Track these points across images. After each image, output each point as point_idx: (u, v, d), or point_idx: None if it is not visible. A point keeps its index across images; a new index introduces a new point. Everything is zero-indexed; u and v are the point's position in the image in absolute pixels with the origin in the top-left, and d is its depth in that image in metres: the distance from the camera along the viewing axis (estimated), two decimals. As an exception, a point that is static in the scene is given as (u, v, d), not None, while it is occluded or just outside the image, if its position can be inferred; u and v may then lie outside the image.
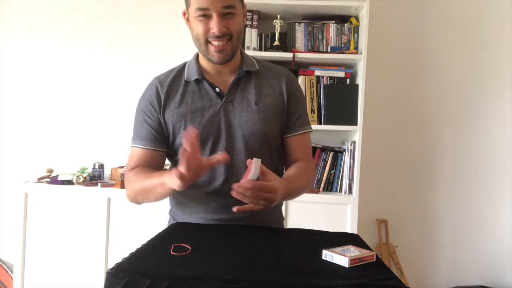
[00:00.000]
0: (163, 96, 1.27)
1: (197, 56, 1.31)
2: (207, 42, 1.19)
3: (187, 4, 1.21)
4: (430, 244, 2.79)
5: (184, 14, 1.25)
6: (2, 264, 2.75)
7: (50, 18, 2.82)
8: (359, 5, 2.44)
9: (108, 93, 2.80)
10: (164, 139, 1.28)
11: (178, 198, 1.32)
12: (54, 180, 2.42)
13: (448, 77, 2.77)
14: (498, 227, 2.76)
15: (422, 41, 2.78)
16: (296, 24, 2.54)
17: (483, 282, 2.74)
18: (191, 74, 1.28)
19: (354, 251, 0.88)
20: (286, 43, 2.53)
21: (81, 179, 2.40)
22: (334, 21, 2.54)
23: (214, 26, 1.16)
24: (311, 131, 1.38)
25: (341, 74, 2.51)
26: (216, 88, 1.26)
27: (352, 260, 0.84)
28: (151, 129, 1.27)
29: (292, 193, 1.25)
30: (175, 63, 1.35)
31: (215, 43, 1.18)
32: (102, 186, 2.38)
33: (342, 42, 2.53)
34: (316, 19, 2.57)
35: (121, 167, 2.55)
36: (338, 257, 0.86)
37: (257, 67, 1.32)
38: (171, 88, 1.28)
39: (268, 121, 1.27)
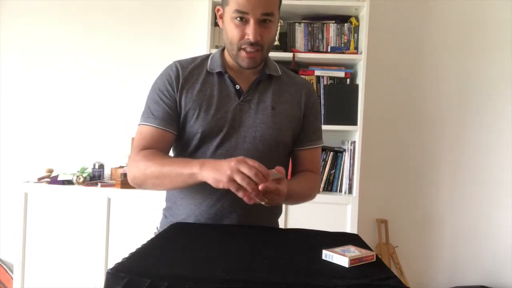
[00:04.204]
0: (182, 78, 1.24)
1: (222, 50, 1.30)
2: (240, 48, 1.18)
3: (225, 3, 1.18)
4: (430, 244, 2.79)
5: (218, 10, 1.24)
6: (2, 264, 2.75)
7: (50, 17, 2.82)
8: (359, 5, 2.44)
9: (108, 93, 2.80)
10: (177, 121, 1.24)
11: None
12: (54, 180, 2.42)
13: (448, 77, 2.77)
14: (498, 227, 2.76)
15: (422, 41, 2.78)
16: (296, 24, 2.54)
17: (483, 282, 2.74)
18: (214, 66, 1.27)
19: (354, 251, 0.88)
20: (286, 43, 2.53)
21: (81, 179, 2.40)
22: (334, 21, 2.54)
23: (250, 33, 1.15)
24: (322, 145, 1.40)
25: (341, 74, 2.51)
26: (237, 85, 1.26)
27: (352, 260, 0.84)
28: (167, 109, 1.23)
29: (291, 198, 1.23)
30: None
31: (248, 49, 1.17)
32: (102, 186, 2.38)
33: (342, 42, 2.53)
34: (316, 19, 2.57)
35: (121, 167, 2.55)
36: (338, 257, 0.85)
37: (280, 73, 1.32)
38: (191, 74, 1.26)
39: (282, 127, 1.27)
